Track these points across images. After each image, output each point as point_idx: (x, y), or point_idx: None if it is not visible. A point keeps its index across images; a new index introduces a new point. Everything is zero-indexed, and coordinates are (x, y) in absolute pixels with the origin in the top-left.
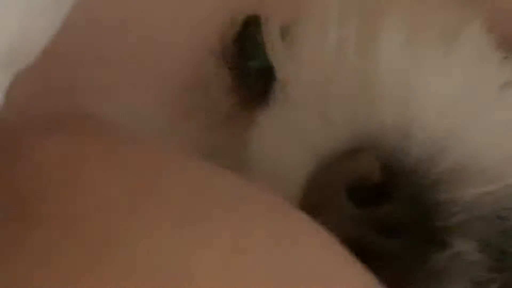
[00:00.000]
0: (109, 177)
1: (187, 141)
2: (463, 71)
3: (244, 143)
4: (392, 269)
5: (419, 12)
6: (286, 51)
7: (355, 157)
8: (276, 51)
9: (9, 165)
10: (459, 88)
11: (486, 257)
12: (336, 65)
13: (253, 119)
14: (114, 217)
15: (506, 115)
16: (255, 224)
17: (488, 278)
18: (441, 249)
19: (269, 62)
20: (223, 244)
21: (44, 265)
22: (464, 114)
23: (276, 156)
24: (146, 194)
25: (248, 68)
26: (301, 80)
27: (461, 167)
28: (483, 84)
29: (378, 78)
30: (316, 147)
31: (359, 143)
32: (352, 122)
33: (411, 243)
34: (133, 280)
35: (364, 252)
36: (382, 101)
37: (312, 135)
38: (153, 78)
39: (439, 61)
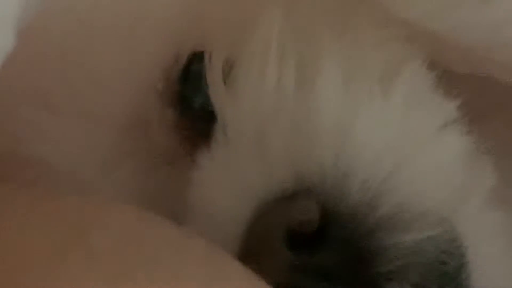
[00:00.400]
0: (36, 228)
1: (126, 183)
2: (401, 113)
3: (184, 186)
4: None
5: (358, 53)
6: (226, 91)
7: (294, 202)
8: (217, 91)
9: None
10: (397, 130)
11: None
12: (274, 108)
13: (196, 160)
14: (40, 272)
15: (444, 157)
16: (184, 281)
17: None
18: None
19: (211, 103)
20: None
21: None
22: (402, 156)
23: (216, 199)
24: (74, 248)
25: (192, 107)
26: (241, 122)
27: (400, 211)
28: (421, 125)
29: (316, 121)
30: (256, 190)
31: (298, 186)
32: (290, 165)
33: None
34: None
35: None
36: (320, 145)
37: (252, 179)
38: (93, 118)
39: (376, 103)
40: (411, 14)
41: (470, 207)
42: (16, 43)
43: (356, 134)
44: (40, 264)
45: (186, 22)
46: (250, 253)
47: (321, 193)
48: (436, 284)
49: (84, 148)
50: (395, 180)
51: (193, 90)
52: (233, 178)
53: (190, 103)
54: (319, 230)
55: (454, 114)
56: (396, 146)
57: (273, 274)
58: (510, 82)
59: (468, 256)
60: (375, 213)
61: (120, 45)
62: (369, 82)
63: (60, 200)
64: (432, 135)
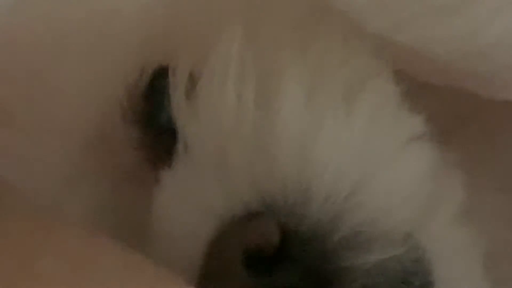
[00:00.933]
0: None
1: (90, 200)
2: (365, 129)
3: (147, 204)
4: None
5: (322, 69)
6: (188, 108)
7: (253, 222)
8: (179, 108)
9: None
10: (360, 147)
11: None
12: (235, 125)
13: (158, 178)
14: None
15: (408, 173)
16: None
17: None
18: None
19: (173, 119)
20: None
21: None
22: (364, 174)
23: (177, 218)
24: (21, 277)
25: (155, 123)
26: (202, 139)
27: (363, 230)
28: (385, 141)
29: (277, 137)
30: (216, 209)
31: (259, 205)
32: (252, 183)
33: None
34: None
35: None
36: (281, 163)
37: (212, 198)
38: (56, 134)
39: (339, 119)
40: (378, 26)
41: (436, 224)
42: None
43: (318, 151)
44: None
45: (151, 36)
46: (209, 273)
47: (282, 212)
48: None
49: (46, 164)
50: (358, 198)
51: (157, 106)
52: (194, 195)
53: (153, 120)
54: (279, 250)
55: (420, 129)
56: (360, 162)
57: None
58: (480, 93)
59: (433, 275)
60: (337, 232)
61: (84, 60)
62: (333, 98)
63: (9, 222)
64: (397, 151)
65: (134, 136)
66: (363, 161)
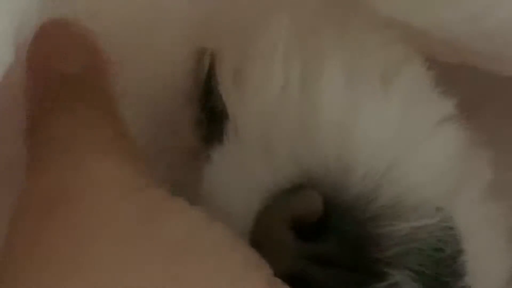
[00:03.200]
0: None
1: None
2: (400, 111)
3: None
4: None
5: (360, 54)
6: (236, 91)
7: (298, 194)
8: (227, 92)
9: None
10: (396, 126)
11: (422, 286)
12: (280, 105)
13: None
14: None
15: (440, 151)
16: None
17: None
18: (379, 280)
19: (222, 102)
20: None
21: None
22: (400, 151)
23: (227, 192)
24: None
25: (211, 106)
26: (249, 119)
27: (397, 202)
28: (419, 121)
29: (319, 117)
30: (262, 184)
31: (302, 179)
32: (295, 159)
33: (350, 275)
34: None
35: (306, 284)
36: (323, 140)
37: (259, 172)
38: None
39: (377, 101)
40: (393, 11)
41: (465, 199)
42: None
43: (357, 130)
44: None
45: (194, 24)
46: (258, 242)
47: (324, 185)
48: (432, 270)
49: None
50: (394, 173)
51: (211, 90)
52: (242, 172)
53: (209, 103)
54: (322, 220)
55: (451, 111)
56: (395, 141)
57: (279, 261)
58: (496, 72)
59: (463, 244)
60: (374, 203)
61: (144, 44)
62: (370, 81)
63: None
64: (430, 131)
65: (194, 118)
66: (399, 139)
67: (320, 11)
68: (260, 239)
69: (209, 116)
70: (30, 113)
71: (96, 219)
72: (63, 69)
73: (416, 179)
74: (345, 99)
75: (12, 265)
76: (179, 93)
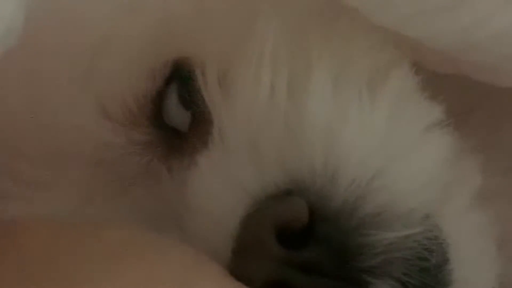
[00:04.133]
0: None
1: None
2: (387, 117)
3: (166, 196)
4: None
5: (347, 60)
6: (221, 96)
7: (285, 200)
8: (213, 97)
9: None
10: (383, 133)
11: None
12: (267, 111)
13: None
14: None
15: (428, 159)
16: None
17: None
18: None
19: (206, 106)
20: None
21: None
22: (387, 159)
23: (212, 197)
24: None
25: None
26: (236, 124)
27: (383, 211)
28: (406, 128)
29: (306, 124)
30: (248, 189)
31: (289, 186)
32: (282, 165)
33: (334, 283)
34: None
35: None
36: (310, 146)
37: (245, 178)
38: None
39: (364, 108)
40: (386, 22)
41: (453, 207)
42: None
43: (344, 137)
44: None
45: (160, 33)
46: (242, 248)
47: (310, 192)
48: (417, 280)
49: (59, 192)
50: (380, 181)
51: (185, 96)
52: (228, 177)
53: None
54: (308, 227)
55: (439, 117)
56: (382, 149)
57: (263, 267)
58: (485, 81)
59: (449, 253)
60: (359, 212)
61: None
62: (358, 87)
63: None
64: (418, 137)
65: (143, 139)
66: (386, 147)
67: (308, 17)
68: (244, 245)
69: (164, 134)
70: None
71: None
72: None
73: (402, 187)
74: (332, 105)
75: None
76: (124, 115)
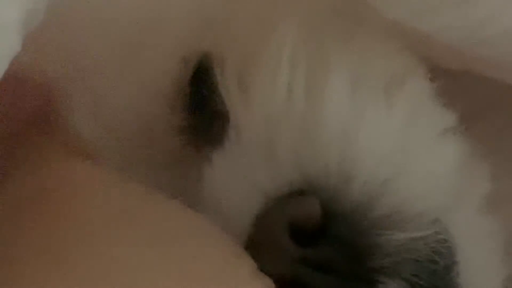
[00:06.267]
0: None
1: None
2: (402, 122)
3: (193, 182)
4: None
5: (365, 63)
6: (240, 95)
7: (299, 199)
8: (230, 95)
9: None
10: (398, 137)
11: None
12: (284, 111)
13: (204, 159)
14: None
15: (440, 164)
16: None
17: None
18: None
19: (224, 105)
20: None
21: None
22: (402, 162)
23: (227, 195)
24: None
25: (203, 109)
26: (252, 123)
27: (395, 212)
28: (421, 133)
29: (323, 125)
30: (263, 188)
31: (303, 185)
32: (297, 165)
33: (345, 281)
34: None
35: None
36: (326, 147)
37: (260, 176)
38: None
39: (380, 111)
40: (398, 15)
41: (463, 212)
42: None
43: (359, 139)
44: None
45: (194, 25)
46: (256, 245)
47: (324, 192)
48: (426, 281)
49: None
50: (393, 184)
51: (205, 94)
52: (243, 175)
53: (200, 105)
54: (321, 227)
55: (453, 123)
56: (397, 152)
57: (276, 265)
58: (500, 80)
59: (457, 257)
60: (372, 212)
61: (128, 50)
62: (375, 91)
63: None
64: (431, 143)
65: (179, 123)
66: (400, 150)
67: (327, 19)
68: (258, 242)
69: (208, 119)
70: None
71: (74, 215)
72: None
73: (415, 190)
74: (348, 108)
75: None
76: (161, 99)
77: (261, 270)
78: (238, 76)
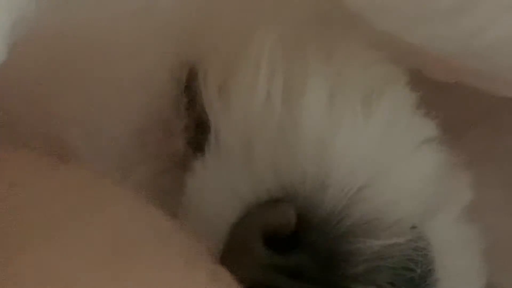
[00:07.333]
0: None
1: (142, 185)
2: (380, 130)
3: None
4: None
5: (345, 72)
6: (220, 103)
7: (274, 207)
8: (211, 102)
9: None
10: (375, 146)
11: None
12: (262, 119)
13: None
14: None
15: (418, 173)
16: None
17: None
18: None
19: (205, 113)
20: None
21: None
22: (377, 170)
23: (206, 202)
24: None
25: (195, 116)
26: (231, 131)
27: (369, 220)
28: (398, 143)
29: (300, 133)
30: (242, 195)
31: (280, 192)
32: (274, 173)
33: None
34: None
35: None
36: (302, 155)
37: (239, 184)
38: (117, 116)
39: (358, 120)
40: (389, 27)
41: (441, 220)
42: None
43: (335, 147)
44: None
45: (189, 31)
46: (231, 252)
47: (300, 200)
48: None
49: (100, 150)
50: (368, 192)
51: (192, 102)
52: (222, 183)
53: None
54: (295, 234)
55: (432, 133)
56: (373, 160)
57: (251, 272)
58: (490, 92)
59: (434, 264)
60: (347, 220)
61: (130, 53)
62: (352, 100)
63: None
64: (408, 152)
65: (181, 125)
66: (376, 159)
67: (311, 27)
68: (233, 249)
69: (194, 126)
70: None
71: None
72: None
73: (390, 198)
74: (325, 116)
75: None
76: (168, 101)
77: (236, 277)
78: (220, 85)
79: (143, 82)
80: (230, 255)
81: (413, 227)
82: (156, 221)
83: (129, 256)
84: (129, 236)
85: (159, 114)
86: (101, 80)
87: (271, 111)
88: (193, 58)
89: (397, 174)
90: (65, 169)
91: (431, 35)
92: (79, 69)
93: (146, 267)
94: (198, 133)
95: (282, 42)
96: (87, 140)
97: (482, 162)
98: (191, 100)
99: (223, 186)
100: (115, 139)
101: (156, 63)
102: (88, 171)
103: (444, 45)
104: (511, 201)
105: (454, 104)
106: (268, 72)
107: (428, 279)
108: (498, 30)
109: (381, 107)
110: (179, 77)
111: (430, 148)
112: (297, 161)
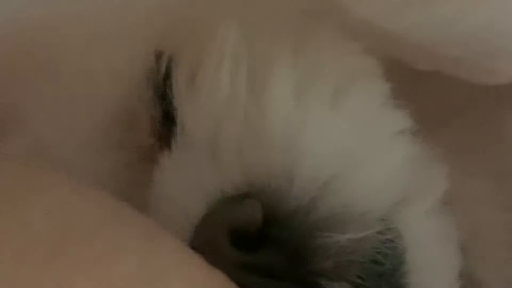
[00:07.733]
0: None
1: (107, 174)
2: (349, 124)
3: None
4: None
5: (314, 64)
6: (186, 96)
7: (240, 203)
8: (179, 95)
9: None
10: (343, 139)
11: None
12: (227, 113)
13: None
14: None
15: (387, 165)
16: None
17: None
18: None
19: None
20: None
21: None
22: (345, 164)
23: (173, 197)
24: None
25: (165, 109)
26: (197, 124)
27: (336, 214)
28: (368, 135)
29: (266, 127)
30: (209, 190)
31: (247, 187)
32: (241, 167)
33: (287, 286)
34: None
35: None
36: (268, 149)
37: (205, 179)
38: (84, 107)
39: (325, 112)
40: (368, 14)
41: (413, 212)
42: None
43: (302, 141)
44: None
45: (164, 27)
46: (198, 246)
47: (266, 194)
48: (371, 283)
49: (72, 132)
50: (335, 185)
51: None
52: (188, 177)
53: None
54: (262, 230)
55: (403, 125)
56: (340, 154)
57: (218, 269)
58: (471, 80)
59: (405, 257)
60: (313, 215)
61: (102, 44)
62: (323, 92)
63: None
64: (380, 144)
65: (151, 118)
66: (345, 152)
67: (282, 18)
68: (198, 246)
69: (163, 118)
70: None
71: None
72: None
73: (358, 190)
74: (292, 110)
75: None
76: (135, 93)
77: None
78: (188, 78)
79: (112, 73)
80: (197, 252)
81: (382, 220)
82: (108, 201)
83: (84, 238)
84: (79, 217)
85: (126, 106)
86: (70, 70)
87: (236, 104)
88: (168, 51)
89: (366, 166)
90: None
91: (409, 22)
92: (49, 59)
93: (103, 247)
94: (165, 126)
95: (249, 34)
96: (51, 127)
97: (465, 152)
98: (161, 93)
99: (189, 181)
100: (79, 127)
101: (126, 56)
102: (18, 163)
103: (423, 33)
104: (495, 191)
105: (436, 94)
106: (232, 64)
107: (398, 272)
108: (476, 16)
109: (351, 99)
110: (148, 69)
111: (402, 140)
112: (263, 155)
